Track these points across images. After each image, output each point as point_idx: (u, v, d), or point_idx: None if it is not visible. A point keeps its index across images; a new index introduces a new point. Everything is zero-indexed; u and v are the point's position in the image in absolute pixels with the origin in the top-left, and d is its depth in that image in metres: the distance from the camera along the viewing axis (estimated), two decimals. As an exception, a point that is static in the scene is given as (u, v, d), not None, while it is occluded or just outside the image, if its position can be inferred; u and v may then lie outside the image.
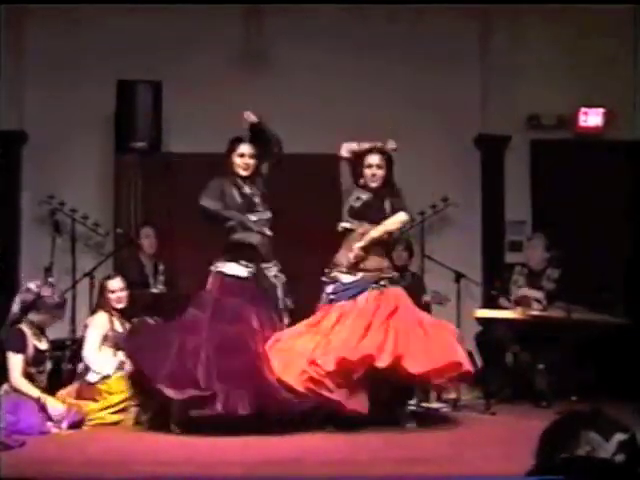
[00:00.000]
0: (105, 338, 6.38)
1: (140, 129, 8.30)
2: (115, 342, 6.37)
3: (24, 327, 5.94)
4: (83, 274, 7.94)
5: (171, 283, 7.87)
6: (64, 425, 5.70)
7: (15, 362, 5.84)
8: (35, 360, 5.93)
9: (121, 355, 6.30)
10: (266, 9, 8.67)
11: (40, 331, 6.04)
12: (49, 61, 8.67)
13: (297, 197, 8.55)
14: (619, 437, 2.18)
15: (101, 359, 6.28)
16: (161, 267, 7.96)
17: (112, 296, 6.51)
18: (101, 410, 6.10)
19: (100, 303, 6.59)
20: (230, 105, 8.56)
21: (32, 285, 6.05)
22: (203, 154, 7.83)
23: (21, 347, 5.87)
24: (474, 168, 8.96)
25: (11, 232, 8.66)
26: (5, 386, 5.89)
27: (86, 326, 6.60)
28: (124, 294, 6.58)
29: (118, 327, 6.46)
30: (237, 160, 6.25)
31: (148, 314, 7.53)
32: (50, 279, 7.40)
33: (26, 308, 5.95)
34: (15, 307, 5.99)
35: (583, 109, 8.83)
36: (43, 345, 6.04)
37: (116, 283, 6.59)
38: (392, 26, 8.79)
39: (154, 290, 7.82)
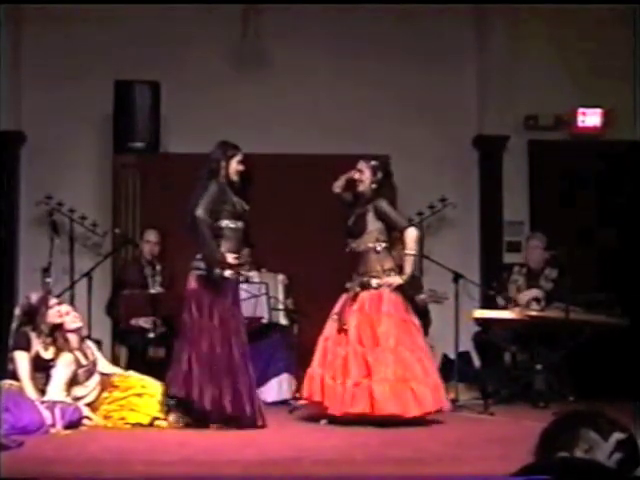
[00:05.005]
0: (75, 376, 6.14)
1: (138, 129, 8.31)
2: (87, 374, 6.24)
3: (30, 332, 6.07)
4: (81, 275, 7.93)
5: (170, 283, 7.87)
6: (59, 425, 5.70)
7: (21, 359, 5.97)
8: (35, 366, 6.00)
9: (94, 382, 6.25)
10: (264, 9, 8.67)
11: (52, 341, 6.11)
12: (47, 62, 8.66)
13: (296, 197, 8.56)
14: (617, 436, 2.19)
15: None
16: (158, 267, 7.97)
17: (68, 318, 6.27)
18: (102, 403, 6.17)
19: (59, 343, 6.18)
20: (228, 105, 8.62)
21: (33, 297, 6.21)
22: (201, 154, 7.82)
23: (25, 346, 6.01)
24: (472, 168, 8.96)
25: (9, 232, 8.65)
26: (5, 382, 5.94)
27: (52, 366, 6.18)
28: (77, 314, 6.45)
29: (83, 360, 6.26)
30: (238, 167, 6.20)
31: (146, 314, 7.55)
32: (48, 279, 7.41)
33: (27, 316, 6.13)
34: (16, 311, 6.21)
35: (581, 109, 8.83)
36: (48, 355, 6.09)
37: (67, 306, 6.51)
38: (390, 27, 8.79)
39: (152, 291, 7.82)
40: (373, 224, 6.31)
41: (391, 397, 5.96)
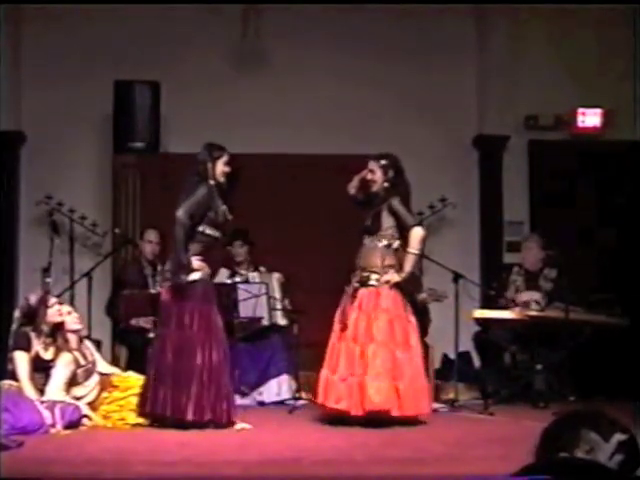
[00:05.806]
0: (74, 376, 6.16)
1: (138, 129, 8.30)
2: (86, 374, 6.26)
3: (30, 332, 6.08)
4: (81, 275, 7.94)
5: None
6: (59, 425, 5.70)
7: (20, 359, 5.98)
8: (34, 367, 6.01)
9: (94, 382, 6.25)
10: (264, 9, 8.67)
11: (52, 341, 6.12)
12: (47, 62, 8.66)
13: (295, 197, 8.56)
14: (618, 437, 2.19)
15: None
16: (160, 268, 7.96)
17: (68, 318, 6.29)
18: (102, 403, 6.17)
19: (58, 343, 6.18)
20: (228, 105, 8.62)
21: (32, 299, 6.21)
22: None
23: (25, 346, 6.02)
24: (472, 168, 8.97)
25: (9, 233, 8.65)
26: (5, 383, 5.95)
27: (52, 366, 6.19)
28: (78, 315, 6.46)
29: (82, 360, 6.28)
30: (225, 168, 6.17)
31: (146, 314, 7.54)
32: (48, 279, 7.41)
33: (27, 318, 6.14)
34: (16, 313, 6.23)
35: (581, 109, 8.83)
36: (48, 355, 6.10)
37: (68, 306, 6.52)
38: (390, 26, 8.79)
39: (152, 291, 7.82)
40: (388, 222, 6.29)
41: (384, 393, 5.95)
